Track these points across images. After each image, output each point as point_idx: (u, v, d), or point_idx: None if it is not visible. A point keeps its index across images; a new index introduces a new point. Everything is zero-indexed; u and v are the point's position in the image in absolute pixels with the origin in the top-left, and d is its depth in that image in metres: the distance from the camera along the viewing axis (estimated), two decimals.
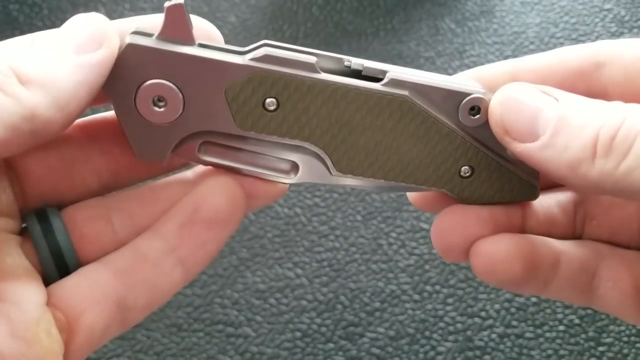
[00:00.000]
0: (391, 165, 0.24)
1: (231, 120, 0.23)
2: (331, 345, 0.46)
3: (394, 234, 0.50)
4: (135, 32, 0.22)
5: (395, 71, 0.23)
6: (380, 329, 0.47)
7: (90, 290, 0.21)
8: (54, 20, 0.58)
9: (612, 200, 0.25)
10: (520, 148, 0.22)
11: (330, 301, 0.48)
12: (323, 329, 0.47)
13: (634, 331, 0.47)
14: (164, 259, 0.22)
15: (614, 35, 0.60)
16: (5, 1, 0.59)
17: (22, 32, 0.58)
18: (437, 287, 0.48)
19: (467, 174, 0.24)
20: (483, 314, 0.47)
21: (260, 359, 0.46)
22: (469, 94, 0.23)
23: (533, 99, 0.22)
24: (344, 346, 0.46)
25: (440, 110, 0.23)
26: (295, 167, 0.24)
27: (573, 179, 0.21)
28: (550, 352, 0.46)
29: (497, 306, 0.48)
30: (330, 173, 0.24)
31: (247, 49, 0.23)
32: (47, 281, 0.22)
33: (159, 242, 0.22)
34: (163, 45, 0.22)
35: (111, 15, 0.59)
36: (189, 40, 0.22)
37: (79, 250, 0.22)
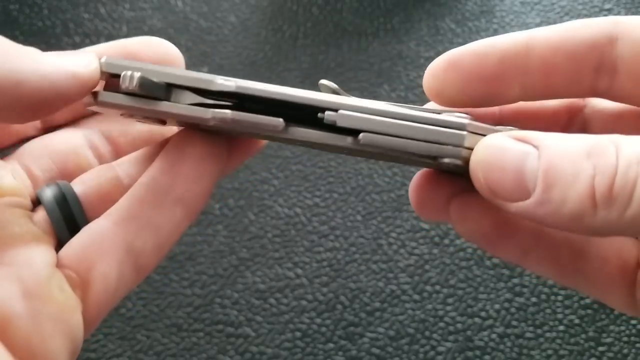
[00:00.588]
0: None
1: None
2: (331, 345, 0.46)
3: (394, 234, 0.50)
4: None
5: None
6: (380, 329, 0.47)
7: (96, 242, 0.21)
8: (54, 20, 0.58)
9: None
10: (515, 208, 0.20)
11: (330, 301, 0.48)
12: (323, 329, 0.47)
13: (634, 331, 0.47)
14: (162, 200, 0.22)
15: None
16: (5, 1, 0.59)
17: (22, 32, 0.58)
18: (437, 287, 0.48)
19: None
20: (483, 314, 0.47)
21: (260, 359, 0.46)
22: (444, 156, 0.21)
23: (511, 154, 0.20)
24: (344, 346, 0.46)
25: None
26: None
27: (578, 230, 0.20)
28: (550, 352, 0.46)
29: (497, 306, 0.48)
30: None
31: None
32: (62, 243, 0.22)
33: (153, 183, 0.22)
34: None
35: (111, 15, 0.60)
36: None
37: (89, 213, 0.23)
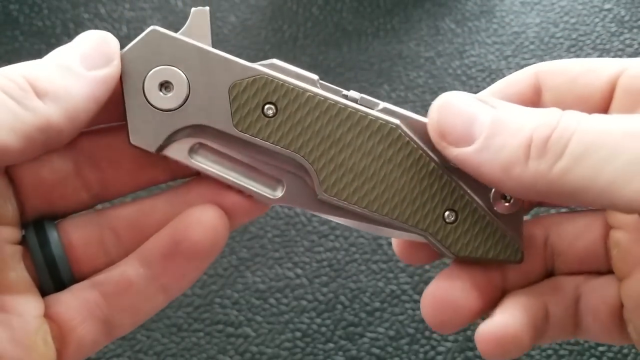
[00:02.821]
0: (377, 194, 0.24)
1: (229, 119, 0.23)
2: (331, 345, 0.46)
3: None
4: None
5: (390, 105, 0.24)
6: (380, 329, 0.47)
7: (81, 308, 0.23)
8: (54, 20, 0.58)
9: (575, 232, 0.25)
10: (456, 152, 0.22)
11: (330, 301, 0.48)
12: (323, 329, 0.47)
13: None
14: (148, 286, 0.24)
15: (614, 35, 0.60)
16: (5, 1, 0.59)
17: (22, 32, 0.58)
18: None
19: (451, 219, 0.24)
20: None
21: (260, 359, 0.46)
22: None
23: (470, 105, 0.22)
24: (344, 346, 0.46)
25: (429, 147, 0.24)
26: (281, 186, 0.25)
27: (507, 181, 0.21)
28: (550, 352, 0.46)
29: None
30: (315, 194, 0.24)
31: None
32: (42, 290, 0.23)
33: (144, 269, 0.24)
34: (182, 37, 0.24)
35: (111, 15, 0.60)
36: (206, 42, 0.24)
37: (74, 265, 0.24)
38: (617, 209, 0.20)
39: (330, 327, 0.47)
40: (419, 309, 0.47)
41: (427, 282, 0.48)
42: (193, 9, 0.24)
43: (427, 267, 0.49)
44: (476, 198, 0.24)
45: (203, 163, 0.24)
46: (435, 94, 0.51)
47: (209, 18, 0.24)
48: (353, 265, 0.49)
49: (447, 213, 0.24)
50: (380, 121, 0.24)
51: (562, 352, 0.46)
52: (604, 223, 0.25)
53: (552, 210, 0.28)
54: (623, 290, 0.24)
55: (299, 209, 0.51)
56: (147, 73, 0.23)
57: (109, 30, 0.60)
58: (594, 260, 0.25)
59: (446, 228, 0.24)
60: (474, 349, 0.46)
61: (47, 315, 0.23)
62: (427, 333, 0.47)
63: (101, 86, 0.22)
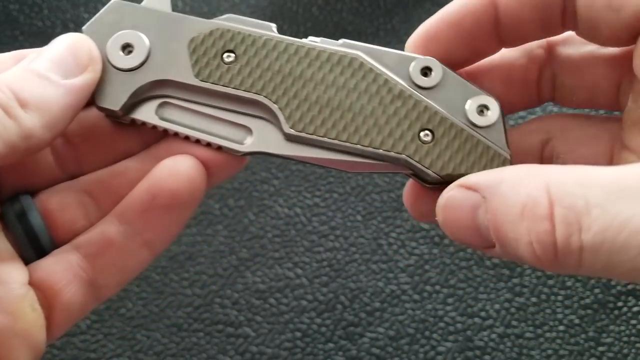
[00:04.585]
0: (345, 124, 0.24)
1: (189, 70, 0.24)
2: (331, 345, 0.46)
3: (394, 234, 0.50)
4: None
5: (351, 41, 0.25)
6: (380, 329, 0.47)
7: (64, 272, 0.23)
8: (54, 20, 0.58)
9: (579, 138, 0.24)
10: (490, 253, 0.21)
11: (330, 301, 0.48)
12: (323, 329, 0.47)
13: (634, 331, 0.47)
14: (131, 243, 0.24)
15: None
16: (5, 1, 0.59)
17: (22, 32, 0.58)
18: (437, 287, 0.48)
19: (428, 139, 0.23)
20: (483, 314, 0.47)
21: (260, 359, 0.46)
22: (419, 56, 0.24)
23: (465, 211, 0.21)
24: (344, 346, 0.46)
25: (393, 72, 0.24)
26: (250, 135, 0.25)
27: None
28: (550, 352, 0.46)
29: (497, 306, 0.48)
30: (283, 131, 0.24)
31: None
32: (25, 261, 0.23)
33: (124, 226, 0.24)
34: (143, 4, 0.25)
35: None
36: (166, 8, 0.25)
37: (54, 232, 0.24)
38: None
39: (330, 327, 0.47)
40: (419, 309, 0.47)
41: (427, 282, 0.48)
42: None
43: (427, 267, 0.49)
44: (452, 114, 0.24)
45: (170, 121, 0.25)
46: None
47: None
48: (353, 265, 0.49)
49: (422, 133, 0.23)
50: (340, 53, 0.24)
51: (562, 352, 0.46)
52: (613, 135, 0.24)
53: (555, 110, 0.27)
54: None
55: (299, 209, 0.51)
56: (109, 38, 0.24)
57: None
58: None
59: (423, 148, 0.24)
60: (474, 349, 0.46)
61: (32, 283, 0.23)
62: (427, 333, 0.47)
63: (79, 94, 0.23)
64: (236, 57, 0.24)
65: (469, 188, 0.21)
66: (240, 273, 0.48)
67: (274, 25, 0.25)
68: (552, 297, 0.48)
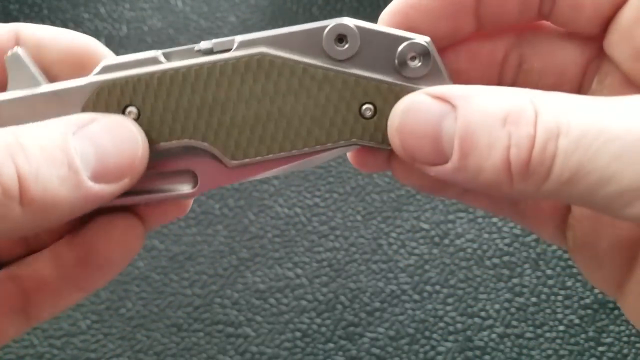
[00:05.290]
0: (283, 133, 0.22)
1: None
2: (331, 345, 0.46)
3: (394, 234, 0.50)
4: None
5: (245, 35, 0.21)
6: (380, 329, 0.47)
7: (1, 301, 0.22)
8: (54, 20, 0.58)
9: (552, 46, 0.23)
10: (434, 172, 0.20)
11: (330, 301, 0.48)
12: (323, 329, 0.47)
13: (634, 331, 0.47)
14: (63, 286, 0.23)
15: None
16: (5, 1, 0.59)
17: None
18: (437, 287, 0.48)
19: (370, 113, 0.22)
20: (483, 314, 0.47)
21: (260, 359, 0.46)
22: (326, 25, 0.21)
23: (429, 116, 0.19)
24: (344, 346, 0.46)
25: (307, 56, 0.21)
26: (194, 176, 0.23)
27: (497, 194, 0.19)
28: (550, 352, 0.46)
29: (497, 306, 0.48)
30: (226, 165, 0.22)
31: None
32: None
33: (59, 271, 0.22)
34: (10, 95, 0.21)
35: (111, 15, 0.60)
36: (35, 82, 0.21)
37: None
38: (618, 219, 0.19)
39: (330, 327, 0.47)
40: (419, 309, 0.47)
41: (427, 282, 0.48)
42: (5, 57, 0.21)
43: (427, 267, 0.49)
44: (384, 75, 0.21)
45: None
46: None
47: (26, 57, 0.21)
48: (353, 265, 0.49)
49: (363, 109, 0.22)
50: (244, 59, 0.21)
51: (562, 352, 0.46)
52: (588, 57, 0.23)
53: None
54: None
55: (299, 209, 0.51)
56: None
57: (108, 30, 0.61)
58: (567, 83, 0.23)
59: (370, 124, 0.22)
60: (473, 349, 0.46)
61: None
62: (427, 333, 0.47)
63: (96, 203, 0.19)
64: (138, 109, 0.21)
65: (437, 97, 0.20)
66: (240, 273, 0.48)
67: (160, 53, 0.21)
68: (552, 297, 0.48)
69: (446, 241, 0.50)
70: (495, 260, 0.49)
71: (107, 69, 0.21)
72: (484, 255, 0.49)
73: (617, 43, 0.22)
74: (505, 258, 0.49)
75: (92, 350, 0.46)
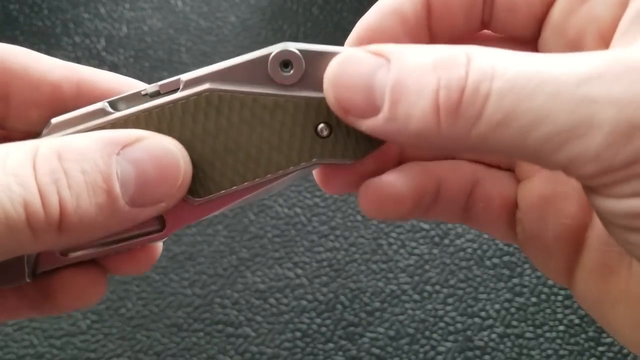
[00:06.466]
0: (243, 165, 0.22)
1: None
2: (331, 345, 0.46)
3: (394, 234, 0.50)
4: None
5: (190, 73, 0.21)
6: (380, 329, 0.47)
7: None
8: (54, 20, 0.58)
9: None
10: (365, 125, 0.19)
11: (330, 301, 0.48)
12: (323, 329, 0.47)
13: None
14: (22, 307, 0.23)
15: None
16: (5, 1, 0.59)
17: (22, 32, 0.58)
18: (437, 287, 0.48)
19: (326, 132, 0.22)
20: (483, 314, 0.47)
21: (260, 359, 0.46)
22: (270, 53, 0.21)
23: (363, 67, 0.19)
24: (344, 346, 0.46)
25: (255, 85, 0.21)
26: (160, 220, 0.22)
27: (427, 146, 0.19)
28: (550, 352, 0.46)
29: (497, 306, 0.48)
30: (193, 204, 0.22)
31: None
32: None
33: (18, 294, 0.23)
34: None
35: (111, 15, 0.60)
36: None
37: None
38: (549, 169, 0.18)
39: (330, 327, 0.47)
40: (419, 309, 0.47)
41: (427, 282, 0.48)
42: None
43: (427, 267, 0.49)
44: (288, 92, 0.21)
45: (81, 252, 0.22)
46: None
47: None
48: (353, 265, 0.49)
49: (319, 129, 0.22)
50: (191, 98, 0.21)
51: (562, 352, 0.46)
52: None
53: None
54: (520, 190, 0.24)
55: (299, 209, 0.51)
56: None
57: (108, 30, 0.61)
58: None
59: (328, 143, 0.22)
60: (473, 349, 0.46)
61: None
62: (427, 333, 0.47)
63: (131, 223, 0.19)
64: None
65: (372, 52, 0.19)
66: (240, 273, 0.48)
67: (106, 104, 0.21)
68: (552, 297, 0.48)
69: (446, 241, 0.50)
70: (495, 260, 0.49)
71: (55, 128, 0.21)
72: (484, 255, 0.49)
73: (549, 39, 0.22)
74: (505, 258, 0.49)
75: (92, 350, 0.46)
